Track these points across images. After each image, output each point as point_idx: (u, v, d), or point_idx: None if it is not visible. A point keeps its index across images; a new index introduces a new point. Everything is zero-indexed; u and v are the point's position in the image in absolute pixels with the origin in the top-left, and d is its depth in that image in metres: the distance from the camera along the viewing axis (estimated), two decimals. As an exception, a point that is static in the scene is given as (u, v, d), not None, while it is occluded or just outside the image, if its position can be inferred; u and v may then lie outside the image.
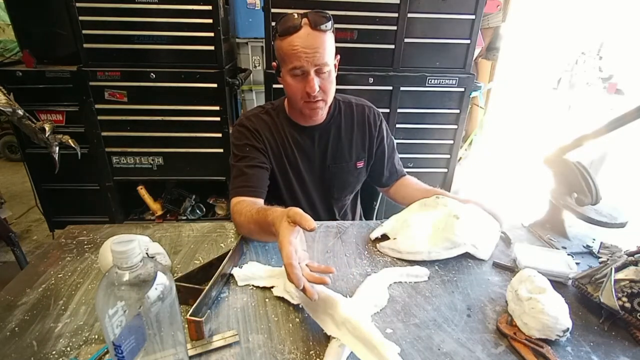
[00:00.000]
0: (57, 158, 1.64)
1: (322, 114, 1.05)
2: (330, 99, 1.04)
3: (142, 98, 2.05)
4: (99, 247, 0.88)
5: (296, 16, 0.92)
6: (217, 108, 2.11)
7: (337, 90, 1.09)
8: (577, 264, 0.86)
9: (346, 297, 0.70)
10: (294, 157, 1.13)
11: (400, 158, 1.26)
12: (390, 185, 1.24)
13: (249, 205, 0.94)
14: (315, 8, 1.01)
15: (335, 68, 1.02)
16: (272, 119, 1.12)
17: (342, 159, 1.16)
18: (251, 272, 0.81)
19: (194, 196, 2.46)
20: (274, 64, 1.05)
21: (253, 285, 0.79)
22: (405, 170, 1.26)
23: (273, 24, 1.88)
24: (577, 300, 0.78)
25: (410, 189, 1.20)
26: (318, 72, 0.96)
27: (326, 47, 0.94)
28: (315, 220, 1.07)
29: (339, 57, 1.05)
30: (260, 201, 1.02)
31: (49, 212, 2.29)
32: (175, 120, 2.11)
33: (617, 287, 0.72)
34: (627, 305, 0.70)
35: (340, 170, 1.17)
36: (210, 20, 1.94)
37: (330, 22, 0.94)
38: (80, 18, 1.88)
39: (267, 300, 0.76)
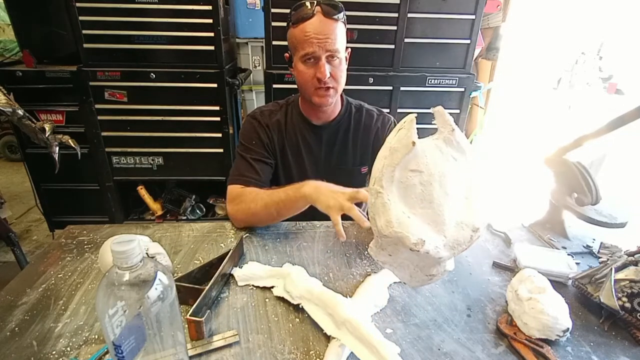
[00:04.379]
0: (57, 158, 1.64)
1: (331, 102, 1.05)
2: (340, 88, 1.05)
3: (142, 98, 2.05)
4: (99, 247, 0.88)
5: (309, 5, 0.95)
6: (217, 108, 2.11)
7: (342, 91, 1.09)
8: (577, 264, 0.86)
9: (346, 297, 0.70)
10: (299, 154, 1.14)
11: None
12: None
13: (260, 192, 1.00)
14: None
15: (346, 61, 1.03)
16: (285, 115, 1.14)
17: (348, 162, 1.16)
18: (251, 272, 0.81)
19: (194, 196, 2.46)
20: (286, 55, 1.06)
21: (253, 285, 0.79)
22: None
23: (273, 24, 1.89)
24: (577, 300, 0.78)
25: None
26: (329, 59, 0.98)
27: (337, 34, 0.97)
28: (318, 219, 1.06)
29: (349, 50, 1.05)
30: None
31: (49, 212, 2.28)
32: (175, 120, 2.11)
33: (617, 287, 0.72)
34: (627, 305, 0.70)
35: (345, 174, 1.16)
36: (210, 20, 1.94)
37: (341, 12, 0.97)
38: (80, 18, 1.88)
39: (267, 300, 0.76)
